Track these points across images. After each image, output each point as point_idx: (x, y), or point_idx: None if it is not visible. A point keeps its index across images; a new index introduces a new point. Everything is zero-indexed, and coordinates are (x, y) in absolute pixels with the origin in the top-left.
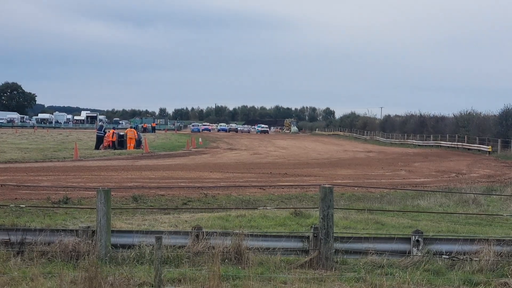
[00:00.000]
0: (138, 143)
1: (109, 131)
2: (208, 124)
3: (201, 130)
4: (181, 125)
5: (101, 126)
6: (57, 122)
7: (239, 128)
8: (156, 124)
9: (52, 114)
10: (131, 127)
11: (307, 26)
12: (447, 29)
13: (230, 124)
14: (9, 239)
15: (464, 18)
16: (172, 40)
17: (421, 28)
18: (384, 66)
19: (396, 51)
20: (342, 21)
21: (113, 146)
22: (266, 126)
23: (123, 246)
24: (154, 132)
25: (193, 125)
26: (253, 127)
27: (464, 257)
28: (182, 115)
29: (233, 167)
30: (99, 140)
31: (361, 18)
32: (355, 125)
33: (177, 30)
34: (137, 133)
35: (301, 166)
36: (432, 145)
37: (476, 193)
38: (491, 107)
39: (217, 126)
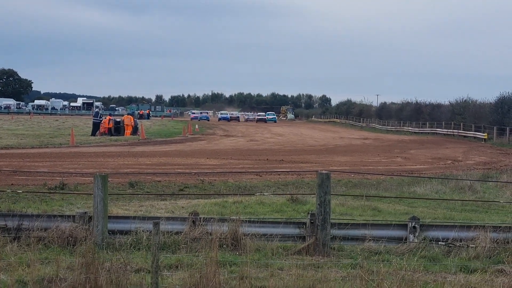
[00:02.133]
0: (135, 130)
1: (105, 118)
2: (206, 112)
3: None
4: (177, 111)
5: (97, 113)
6: (53, 108)
7: (248, 117)
8: (150, 111)
9: (48, 100)
10: (128, 114)
11: (304, 13)
12: (443, 16)
13: (232, 112)
14: (6, 224)
15: (461, 5)
16: (168, 27)
17: (418, 15)
18: (381, 53)
19: (392, 38)
20: (338, 9)
21: (109, 132)
22: (273, 112)
23: (120, 232)
24: (149, 119)
25: (192, 113)
26: (257, 114)
27: (461, 243)
28: (178, 102)
29: (230, 153)
30: (95, 126)
31: (357, 5)
32: (351, 112)
33: (173, 17)
34: (134, 119)
35: (298, 153)
36: (428, 132)
37: (472, 180)
38: (487, 94)
39: (213, 113)
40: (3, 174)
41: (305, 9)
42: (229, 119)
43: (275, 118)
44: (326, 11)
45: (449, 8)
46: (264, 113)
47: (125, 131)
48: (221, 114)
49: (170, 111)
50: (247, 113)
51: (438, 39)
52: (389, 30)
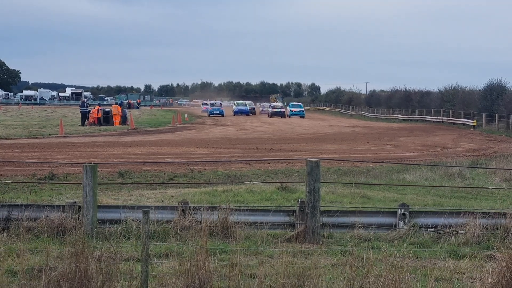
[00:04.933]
0: (124, 119)
1: (94, 108)
2: (219, 102)
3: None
4: (166, 101)
5: (83, 102)
6: (42, 98)
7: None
8: (140, 101)
9: (37, 90)
10: (116, 103)
11: (293, 1)
12: (432, 3)
13: (247, 103)
14: None
15: None
16: (157, 16)
17: (406, 2)
18: (370, 41)
19: (381, 26)
20: None
21: (98, 122)
22: (300, 103)
23: (110, 221)
24: (139, 108)
25: (205, 104)
26: (271, 105)
27: (450, 230)
28: (167, 91)
29: (219, 142)
30: (83, 116)
31: None
32: (341, 101)
33: (162, 6)
34: (122, 109)
35: (287, 141)
36: (418, 120)
37: (461, 166)
38: (476, 81)
39: (220, 104)
40: None
41: None
42: (249, 113)
43: (302, 111)
44: None
45: None
46: (280, 104)
47: (114, 121)
48: (238, 106)
49: (159, 101)
50: (263, 104)
51: (426, 26)
52: (378, 18)
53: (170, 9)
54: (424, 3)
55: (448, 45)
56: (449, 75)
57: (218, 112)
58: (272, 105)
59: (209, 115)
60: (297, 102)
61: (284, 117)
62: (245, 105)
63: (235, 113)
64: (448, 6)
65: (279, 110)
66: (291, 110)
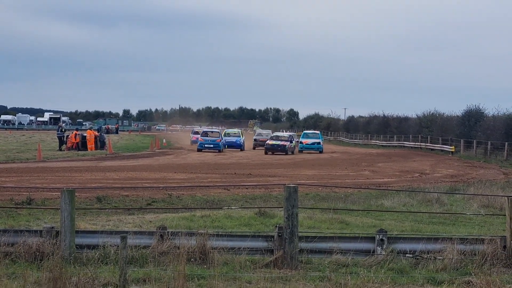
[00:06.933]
0: (102, 144)
1: (72, 132)
2: (212, 128)
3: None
4: (145, 126)
5: (59, 127)
6: (20, 123)
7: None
8: (118, 126)
9: (15, 115)
10: (90, 128)
11: (271, 27)
12: (409, 29)
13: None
14: None
15: (426, 18)
16: (135, 41)
17: (383, 29)
18: (347, 67)
19: (358, 52)
20: (304, 22)
21: (77, 147)
22: (317, 132)
23: (88, 247)
24: (118, 133)
25: (195, 132)
26: (273, 136)
27: (428, 256)
28: (146, 116)
29: (197, 167)
30: (60, 140)
31: (322, 19)
32: (319, 126)
33: (140, 31)
34: (100, 134)
35: (265, 167)
36: (396, 146)
37: (439, 192)
38: (454, 107)
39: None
40: None
41: (271, 23)
42: (241, 146)
43: (319, 144)
44: (291, 25)
45: (415, 21)
46: (286, 134)
47: (88, 146)
48: (227, 137)
49: (137, 126)
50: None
51: (404, 52)
52: (356, 44)
53: (148, 34)
54: (401, 30)
55: (426, 71)
56: (427, 101)
57: (213, 146)
58: (274, 135)
59: (199, 150)
60: (257, 127)
61: (288, 153)
62: (238, 134)
63: (227, 145)
64: (424, 33)
65: (281, 144)
66: (301, 143)
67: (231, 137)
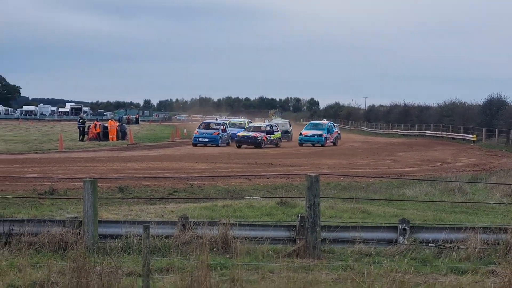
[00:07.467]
0: (123, 135)
1: (92, 123)
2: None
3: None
4: (165, 116)
5: (80, 118)
6: (41, 114)
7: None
8: (139, 116)
9: (37, 106)
10: (112, 119)
11: (291, 15)
12: (432, 17)
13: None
14: None
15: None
16: (155, 31)
17: (406, 17)
18: (369, 56)
19: (380, 40)
20: (326, 11)
21: (98, 137)
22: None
23: (111, 236)
24: (138, 124)
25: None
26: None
27: (451, 245)
28: (166, 106)
29: (218, 157)
30: (81, 131)
31: (345, 7)
32: (340, 115)
33: (161, 21)
34: (121, 124)
35: (286, 156)
36: (417, 135)
37: (461, 182)
38: (475, 96)
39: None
40: None
41: (293, 12)
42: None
43: (322, 137)
44: (313, 13)
45: (438, 9)
46: (265, 124)
47: (109, 136)
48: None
49: (157, 116)
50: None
51: (425, 41)
52: (377, 32)
53: (169, 24)
54: (423, 18)
55: (448, 60)
56: (448, 89)
57: (209, 139)
58: (251, 125)
59: (194, 145)
60: (278, 117)
61: (261, 147)
62: (243, 125)
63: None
64: (446, 21)
65: (250, 134)
66: (301, 134)
67: (236, 127)
